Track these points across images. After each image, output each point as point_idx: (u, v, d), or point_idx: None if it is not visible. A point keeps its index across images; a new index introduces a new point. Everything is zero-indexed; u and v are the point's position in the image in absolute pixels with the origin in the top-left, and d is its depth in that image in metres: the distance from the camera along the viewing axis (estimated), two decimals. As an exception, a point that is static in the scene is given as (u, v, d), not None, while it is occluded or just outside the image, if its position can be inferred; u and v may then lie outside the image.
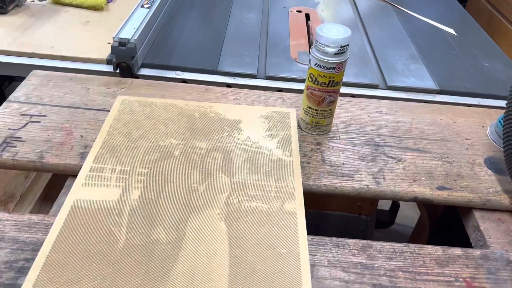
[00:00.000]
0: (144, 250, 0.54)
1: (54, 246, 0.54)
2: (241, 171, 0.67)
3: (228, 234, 0.57)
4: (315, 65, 0.70)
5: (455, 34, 1.20)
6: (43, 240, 0.55)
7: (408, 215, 1.64)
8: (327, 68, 0.70)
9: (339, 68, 0.70)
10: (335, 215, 1.23)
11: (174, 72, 0.93)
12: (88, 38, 1.00)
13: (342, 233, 1.24)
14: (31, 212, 0.75)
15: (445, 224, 0.96)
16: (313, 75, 0.72)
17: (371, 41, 1.12)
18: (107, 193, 0.61)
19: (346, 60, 0.70)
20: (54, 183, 0.81)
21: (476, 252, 0.60)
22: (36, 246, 0.55)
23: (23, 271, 0.52)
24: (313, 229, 1.25)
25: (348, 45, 0.69)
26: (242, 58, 0.99)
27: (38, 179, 0.82)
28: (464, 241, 0.70)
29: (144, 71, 0.92)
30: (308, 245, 0.58)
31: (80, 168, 0.66)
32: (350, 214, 1.22)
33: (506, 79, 1.00)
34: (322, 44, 0.68)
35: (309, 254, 0.57)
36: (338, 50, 0.68)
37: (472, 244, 0.67)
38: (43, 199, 0.78)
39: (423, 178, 0.71)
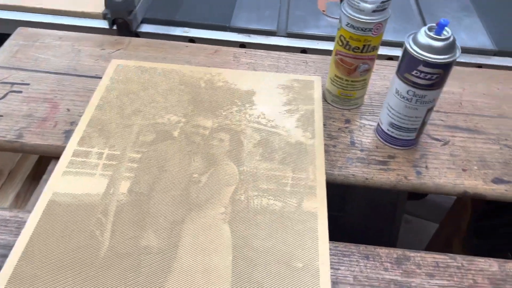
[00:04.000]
0: (131, 261, 0.45)
1: (24, 253, 0.45)
2: (252, 158, 0.56)
3: (232, 241, 0.47)
4: (346, 25, 0.56)
5: (518, -22, 1.00)
6: (13, 244, 0.47)
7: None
8: (362, 30, 0.55)
9: (377, 29, 0.55)
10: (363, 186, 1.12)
11: (180, 28, 0.80)
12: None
13: (370, 206, 1.13)
14: (18, 193, 0.67)
15: (494, 208, 0.83)
16: (344, 38, 0.57)
17: (414, -11, 0.94)
18: (91, 185, 0.51)
19: (387, 19, 0.55)
20: (46, 159, 0.72)
21: (541, 268, 0.48)
22: (4, 251, 0.46)
23: (-12, 283, 0.44)
24: (337, 200, 1.14)
25: (390, 0, 0.54)
26: (260, 11, 0.84)
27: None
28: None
29: (145, 28, 0.79)
30: (330, 255, 0.48)
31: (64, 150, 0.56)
32: (380, 186, 1.11)
33: None
34: (356, -2, 0.54)
35: (331, 268, 0.47)
36: (377, 7, 0.53)
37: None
38: (33, 178, 0.70)
39: (475, 167, 0.58)
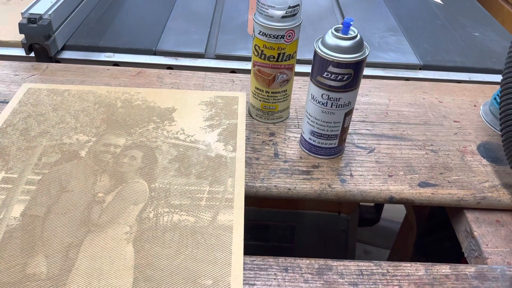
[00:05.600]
0: (13, 291, 0.39)
1: None
2: (166, 174, 0.52)
3: (134, 261, 0.42)
4: (259, 33, 0.55)
5: (441, 2, 1.05)
6: None
7: (398, 208, 1.50)
8: (275, 37, 0.54)
9: (289, 36, 0.55)
10: (311, 214, 1.09)
11: (104, 54, 0.77)
12: (6, 18, 0.84)
13: (321, 234, 1.10)
14: None
15: (435, 223, 0.82)
16: (259, 47, 0.56)
17: (342, 11, 0.96)
18: (-21, 211, 0.46)
19: (299, 25, 0.55)
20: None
21: (469, 269, 0.46)
22: None
23: None
24: (287, 232, 1.09)
25: (299, 5, 0.53)
26: (188, 35, 0.83)
27: None
28: (458, 244, 0.56)
29: (66, 54, 0.76)
30: (246, 270, 0.44)
31: (-45, 177, 0.50)
32: (329, 212, 1.08)
33: (501, 50, 0.86)
34: (265, 5, 0.53)
35: (246, 284, 0.42)
36: (286, 12, 0.53)
37: (465, 254, 0.53)
38: None
39: (401, 173, 0.56)
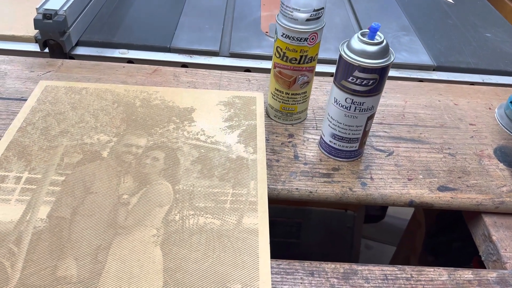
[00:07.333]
0: (44, 294, 0.40)
1: None
2: (189, 175, 0.52)
3: (163, 265, 0.43)
4: (282, 35, 0.55)
5: (452, 1, 1.05)
6: None
7: (400, 204, 1.51)
8: (298, 40, 0.54)
9: (312, 39, 0.55)
10: (318, 211, 1.10)
11: (118, 50, 0.76)
12: (18, 12, 0.83)
13: (327, 231, 1.10)
14: None
15: (444, 223, 0.82)
16: (281, 49, 0.56)
17: (355, 11, 0.96)
18: (5, 212, 0.46)
19: (322, 28, 0.55)
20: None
21: (491, 274, 0.47)
22: None
23: None
24: (294, 228, 1.10)
25: (323, 8, 0.53)
26: (202, 32, 0.83)
27: None
28: (468, 245, 0.56)
29: (80, 50, 0.76)
30: (273, 274, 0.44)
31: (-23, 176, 0.50)
32: (335, 209, 1.09)
33: (513, 51, 0.86)
34: (290, 8, 0.53)
35: (273, 288, 0.43)
36: (311, 16, 0.53)
37: (483, 258, 0.53)
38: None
39: (421, 177, 0.56)
